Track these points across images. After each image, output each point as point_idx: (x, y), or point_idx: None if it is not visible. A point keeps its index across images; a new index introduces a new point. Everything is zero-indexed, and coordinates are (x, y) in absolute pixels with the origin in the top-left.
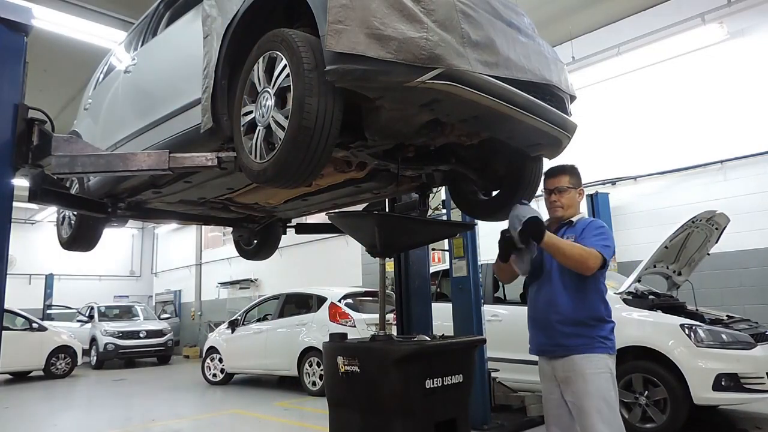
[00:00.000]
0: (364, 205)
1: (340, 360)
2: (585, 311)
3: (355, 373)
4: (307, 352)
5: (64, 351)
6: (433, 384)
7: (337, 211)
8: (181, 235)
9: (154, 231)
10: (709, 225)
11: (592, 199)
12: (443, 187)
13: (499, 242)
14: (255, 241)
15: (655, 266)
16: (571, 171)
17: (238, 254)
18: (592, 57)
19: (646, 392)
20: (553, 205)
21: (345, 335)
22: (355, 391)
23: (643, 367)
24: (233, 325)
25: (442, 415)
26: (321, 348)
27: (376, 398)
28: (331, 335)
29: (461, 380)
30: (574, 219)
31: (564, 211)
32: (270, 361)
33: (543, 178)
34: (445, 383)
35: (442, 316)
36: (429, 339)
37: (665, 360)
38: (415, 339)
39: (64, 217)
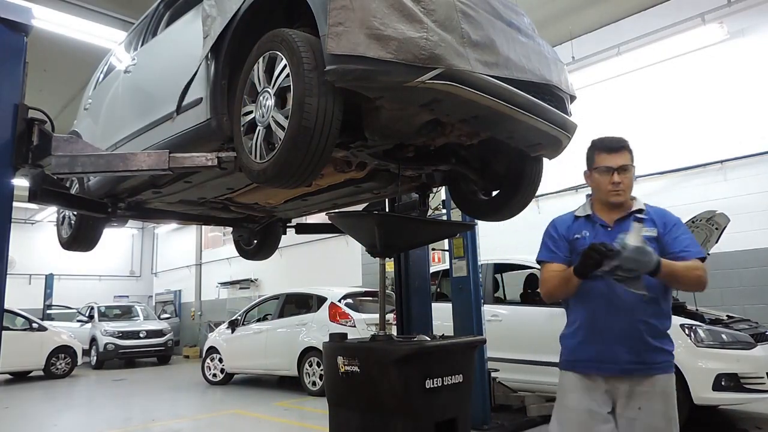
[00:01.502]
0: (364, 205)
1: (340, 360)
2: (666, 319)
3: (355, 373)
4: (307, 352)
5: (64, 351)
6: (433, 384)
7: (337, 211)
8: (181, 235)
9: (154, 231)
10: (709, 225)
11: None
12: (443, 187)
13: (588, 258)
14: (255, 241)
15: None
16: (629, 146)
17: (238, 254)
18: (592, 57)
19: None
20: (615, 188)
21: (345, 335)
22: (355, 390)
23: None
24: (233, 325)
25: (442, 415)
26: (321, 348)
27: (376, 398)
28: (331, 335)
29: (461, 380)
30: (634, 207)
31: (626, 195)
32: (270, 361)
33: (595, 152)
34: (445, 383)
35: (442, 316)
36: (429, 339)
37: None
38: (415, 339)
39: (64, 217)
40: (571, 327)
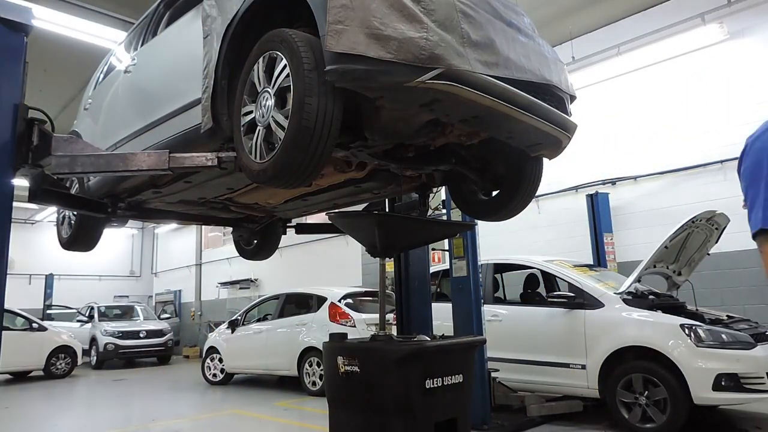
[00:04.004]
0: (364, 205)
1: (340, 360)
2: None
3: (355, 373)
4: (307, 352)
5: (64, 351)
6: (433, 384)
7: (336, 211)
8: (181, 235)
9: (154, 231)
10: (709, 225)
11: (592, 199)
12: (443, 187)
13: None
14: (255, 241)
15: (655, 266)
16: None
17: (238, 254)
18: (592, 57)
19: (646, 392)
20: None
21: (345, 335)
22: (355, 391)
23: (643, 367)
24: (233, 325)
25: (442, 415)
26: (321, 348)
27: (376, 398)
28: (331, 335)
29: (461, 380)
30: None
31: None
32: (270, 361)
33: None
34: (445, 383)
35: (442, 316)
36: (429, 339)
37: (665, 360)
38: (415, 339)
39: (64, 217)
40: None
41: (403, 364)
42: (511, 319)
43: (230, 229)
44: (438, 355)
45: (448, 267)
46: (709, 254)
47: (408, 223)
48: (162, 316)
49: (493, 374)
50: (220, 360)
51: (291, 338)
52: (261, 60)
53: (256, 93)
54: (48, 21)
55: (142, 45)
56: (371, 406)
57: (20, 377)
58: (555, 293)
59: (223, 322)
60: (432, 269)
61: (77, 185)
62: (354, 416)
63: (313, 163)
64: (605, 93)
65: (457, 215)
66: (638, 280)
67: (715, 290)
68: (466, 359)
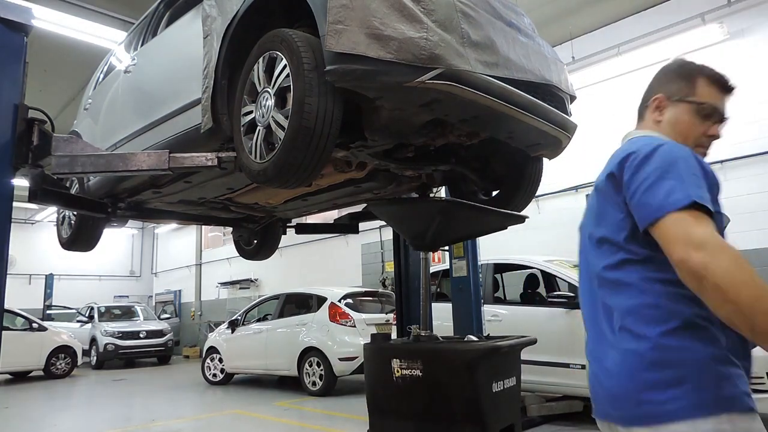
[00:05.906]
0: (363, 205)
1: (395, 363)
2: None
3: (415, 378)
4: (307, 352)
5: (64, 351)
6: (498, 388)
7: (377, 198)
8: (181, 235)
9: (154, 231)
10: None
11: None
12: (443, 187)
13: None
14: (255, 241)
15: None
16: None
17: (238, 254)
18: (592, 57)
19: None
20: (710, 144)
21: (388, 335)
22: (413, 397)
23: None
24: (233, 325)
25: (504, 421)
26: (321, 348)
27: (440, 405)
28: (373, 336)
29: (514, 383)
30: None
31: None
32: (270, 361)
33: (704, 80)
34: (505, 386)
35: (442, 316)
36: (476, 339)
37: None
38: (465, 339)
39: (64, 217)
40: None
41: (476, 366)
42: (511, 319)
43: (230, 229)
44: (502, 356)
45: (448, 267)
46: None
47: (473, 212)
48: (162, 317)
49: None
50: (220, 360)
51: (291, 338)
52: (261, 60)
53: (256, 93)
54: (48, 21)
55: (142, 45)
56: (432, 413)
57: (20, 377)
58: (555, 293)
59: (223, 322)
60: (432, 269)
61: (77, 185)
62: (406, 426)
63: (313, 163)
64: (605, 93)
65: None
66: None
67: None
68: (517, 361)
